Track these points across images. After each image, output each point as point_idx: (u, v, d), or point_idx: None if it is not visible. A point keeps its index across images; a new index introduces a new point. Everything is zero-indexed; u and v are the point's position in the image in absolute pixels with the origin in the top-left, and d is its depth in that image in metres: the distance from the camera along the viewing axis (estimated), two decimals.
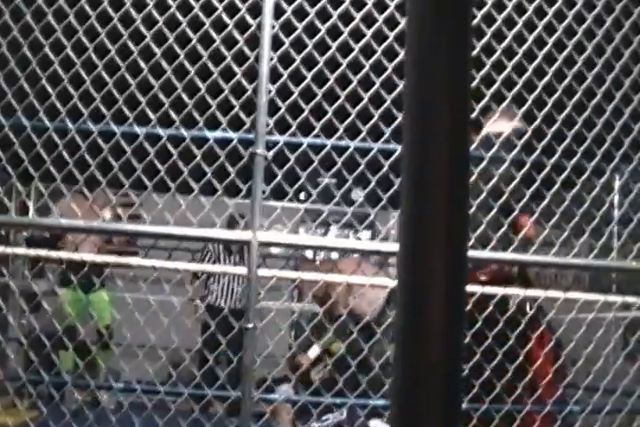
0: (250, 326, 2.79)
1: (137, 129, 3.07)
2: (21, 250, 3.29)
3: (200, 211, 2.96)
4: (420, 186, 0.90)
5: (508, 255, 3.19)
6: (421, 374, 0.86)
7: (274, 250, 7.60)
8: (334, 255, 7.43)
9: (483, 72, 3.15)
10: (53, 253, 3.07)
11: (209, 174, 3.03)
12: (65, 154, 2.97)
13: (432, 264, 0.88)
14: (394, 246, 3.25)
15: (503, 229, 3.23)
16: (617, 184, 5.62)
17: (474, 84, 3.04)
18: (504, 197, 3.26)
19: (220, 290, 7.11)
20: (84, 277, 4.02)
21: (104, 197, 5.06)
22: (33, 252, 3.01)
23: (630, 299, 3.56)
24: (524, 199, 3.29)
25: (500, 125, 3.66)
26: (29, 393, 3.10)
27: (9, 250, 3.99)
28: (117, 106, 3.00)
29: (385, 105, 3.16)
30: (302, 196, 7.52)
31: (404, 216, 0.90)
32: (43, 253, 2.99)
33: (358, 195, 4.02)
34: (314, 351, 5.53)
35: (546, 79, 3.24)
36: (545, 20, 3.23)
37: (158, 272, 3.06)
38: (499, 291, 3.28)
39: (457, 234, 0.89)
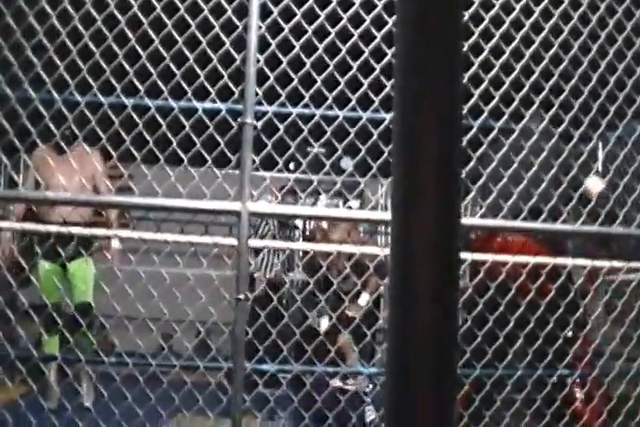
0: (241, 296, 2.79)
1: (125, 100, 3.04)
2: (6, 223, 3.24)
3: (190, 182, 2.94)
4: (411, 157, 0.90)
5: (507, 223, 3.20)
6: (414, 336, 0.87)
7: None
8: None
9: None
10: (40, 227, 3.01)
11: (198, 145, 3.01)
12: (52, 125, 2.94)
13: (424, 227, 0.88)
14: (382, 215, 3.25)
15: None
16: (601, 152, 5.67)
17: None
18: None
19: (260, 262, 7.13)
20: (64, 247, 3.84)
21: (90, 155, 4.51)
22: (18, 225, 2.97)
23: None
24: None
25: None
26: (19, 369, 3.06)
27: None
28: (105, 76, 2.96)
29: (374, 74, 3.15)
30: (291, 166, 7.47)
31: (395, 186, 0.90)
32: (28, 226, 2.95)
33: (347, 164, 3.99)
34: (364, 299, 5.16)
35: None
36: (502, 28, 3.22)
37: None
38: (529, 260, 3.28)
39: (449, 202, 0.90)
